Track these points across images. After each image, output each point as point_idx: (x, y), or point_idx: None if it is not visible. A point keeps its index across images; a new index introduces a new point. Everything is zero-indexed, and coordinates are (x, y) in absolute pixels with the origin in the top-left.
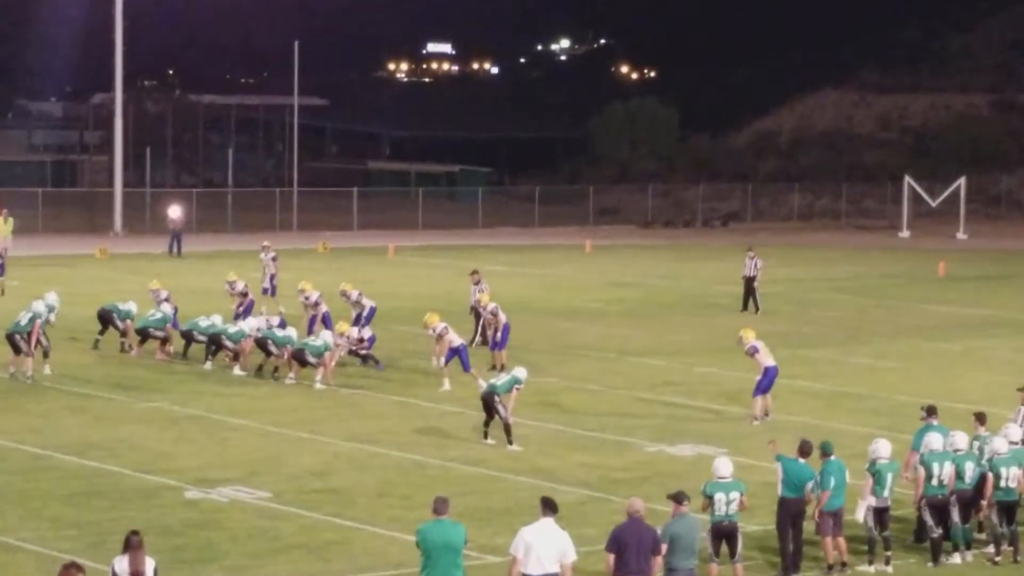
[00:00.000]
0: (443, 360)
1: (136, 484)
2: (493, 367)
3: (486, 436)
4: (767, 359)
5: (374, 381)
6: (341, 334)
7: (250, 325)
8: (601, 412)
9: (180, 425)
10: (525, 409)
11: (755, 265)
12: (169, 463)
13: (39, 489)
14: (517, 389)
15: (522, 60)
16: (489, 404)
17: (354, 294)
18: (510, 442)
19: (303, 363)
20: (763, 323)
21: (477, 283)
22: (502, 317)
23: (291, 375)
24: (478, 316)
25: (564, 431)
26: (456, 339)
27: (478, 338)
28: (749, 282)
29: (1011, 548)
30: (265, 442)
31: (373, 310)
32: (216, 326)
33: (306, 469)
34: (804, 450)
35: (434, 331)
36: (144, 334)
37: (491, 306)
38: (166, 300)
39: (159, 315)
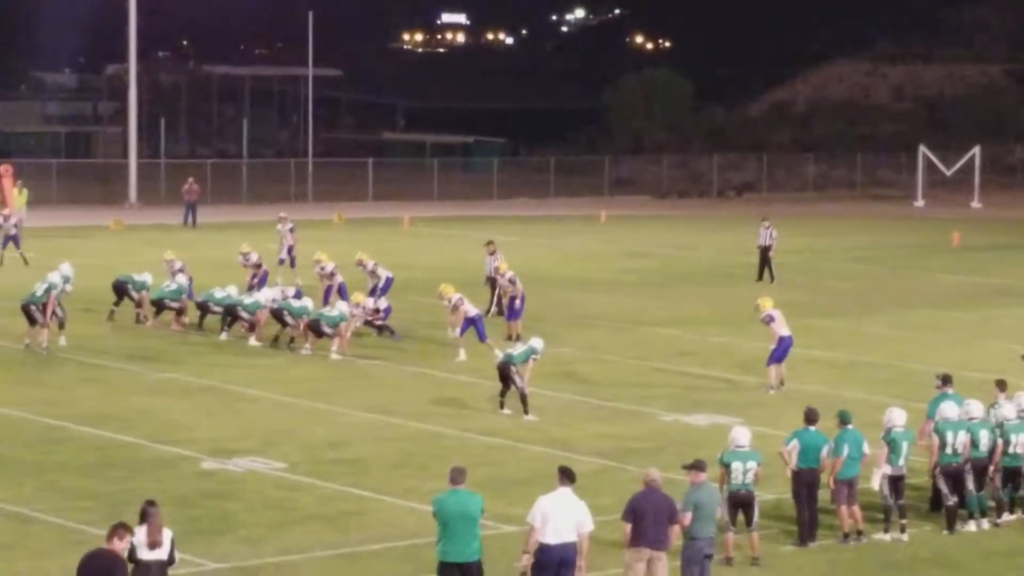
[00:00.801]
0: (459, 331)
1: (151, 455)
2: (509, 337)
3: (502, 406)
4: (782, 329)
5: (390, 352)
6: (356, 304)
7: (265, 296)
8: (616, 382)
9: (195, 396)
10: (540, 379)
11: (770, 235)
12: (184, 434)
13: (55, 460)
14: (534, 359)
15: (536, 30)
16: (505, 374)
17: (370, 264)
18: (526, 412)
19: (319, 334)
20: (778, 293)
21: (493, 253)
22: (519, 286)
23: (307, 346)
24: (494, 286)
25: (580, 401)
26: (472, 309)
27: (493, 308)
28: (764, 252)
29: (1011, 516)
30: (281, 413)
31: (389, 280)
32: (231, 297)
33: (322, 440)
34: (811, 418)
35: (449, 302)
36: (159, 305)
37: (509, 274)
38: (181, 271)
39: (174, 286)
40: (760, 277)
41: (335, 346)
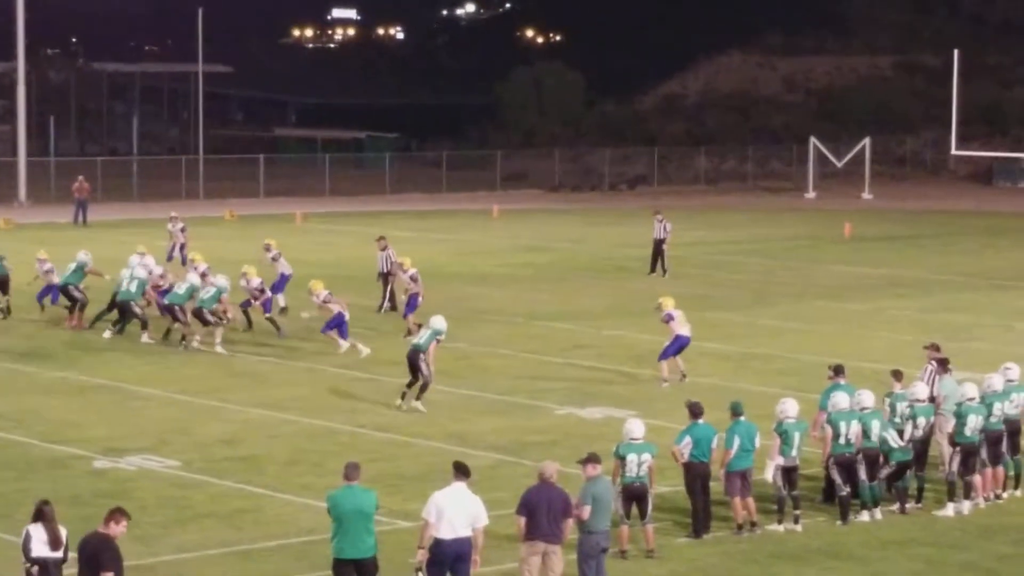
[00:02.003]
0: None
1: (44, 454)
2: (408, 333)
3: (403, 397)
4: (680, 328)
5: (282, 348)
6: (244, 274)
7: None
8: (511, 376)
9: (87, 395)
10: (436, 374)
11: (664, 228)
12: (77, 433)
13: None
14: (438, 340)
15: (427, 25)
16: (414, 363)
17: (274, 252)
18: (418, 398)
19: (204, 321)
20: (671, 286)
21: (384, 249)
22: (420, 284)
23: (196, 338)
24: (386, 282)
25: (475, 396)
26: (337, 306)
27: (386, 304)
28: (658, 244)
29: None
30: (174, 411)
31: (285, 278)
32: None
33: (216, 437)
34: (695, 412)
35: (318, 298)
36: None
37: (412, 271)
38: (204, 274)
39: (212, 291)
40: (653, 270)
41: (218, 337)
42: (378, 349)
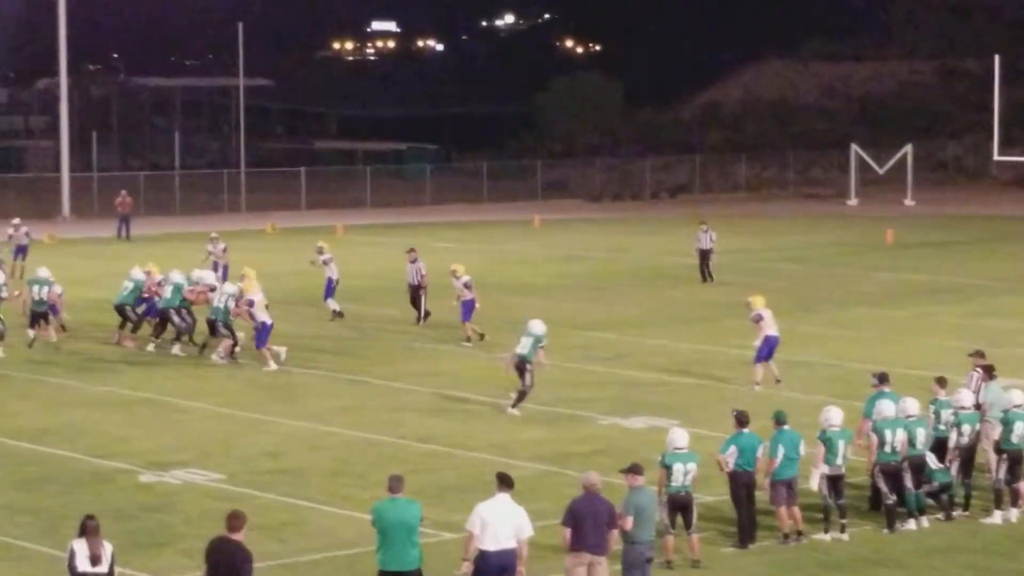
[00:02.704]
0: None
1: (89, 468)
2: (467, 339)
3: (512, 406)
4: (769, 328)
5: (325, 359)
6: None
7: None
8: (554, 386)
9: (132, 408)
10: (477, 385)
11: (710, 238)
12: (122, 447)
13: None
14: (541, 347)
15: (467, 36)
16: (521, 372)
17: (326, 255)
18: (515, 405)
19: (214, 332)
20: (713, 294)
21: (414, 261)
22: (474, 291)
23: (220, 351)
24: (415, 293)
25: (518, 406)
26: (261, 316)
27: (422, 316)
28: (704, 254)
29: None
30: (217, 424)
31: (332, 282)
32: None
33: (259, 450)
34: (741, 420)
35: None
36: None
37: (465, 278)
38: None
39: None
40: (704, 279)
41: (222, 350)
42: (417, 360)
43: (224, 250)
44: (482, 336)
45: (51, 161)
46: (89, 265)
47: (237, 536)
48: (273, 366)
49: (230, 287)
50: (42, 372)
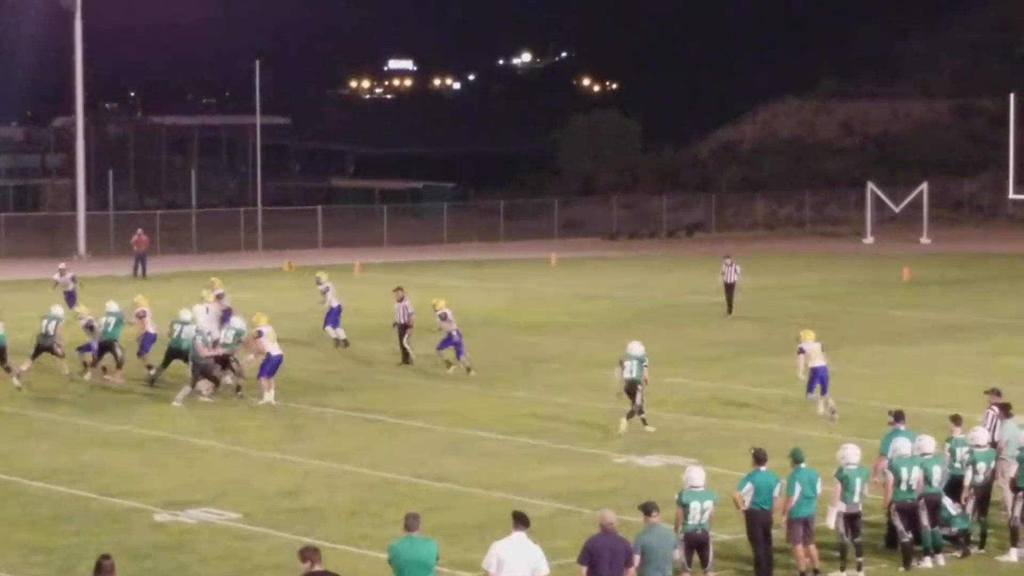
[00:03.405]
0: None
1: (104, 508)
2: (448, 365)
3: (644, 423)
4: (814, 360)
5: (340, 398)
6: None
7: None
8: (570, 424)
9: (147, 447)
10: (494, 423)
11: (735, 271)
12: (136, 486)
13: (6, 515)
14: (645, 366)
15: (483, 75)
16: (632, 394)
17: (324, 284)
18: (628, 417)
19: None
20: (730, 332)
21: (401, 300)
22: (452, 323)
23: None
24: (401, 333)
25: (534, 444)
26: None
27: (403, 354)
28: (730, 288)
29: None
30: (233, 462)
31: (335, 310)
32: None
33: (276, 489)
34: (759, 458)
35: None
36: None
37: (441, 311)
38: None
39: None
40: (730, 311)
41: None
42: (433, 399)
43: (72, 279)
44: (468, 370)
45: (67, 199)
46: (105, 304)
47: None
48: (268, 399)
49: (238, 322)
50: (56, 411)
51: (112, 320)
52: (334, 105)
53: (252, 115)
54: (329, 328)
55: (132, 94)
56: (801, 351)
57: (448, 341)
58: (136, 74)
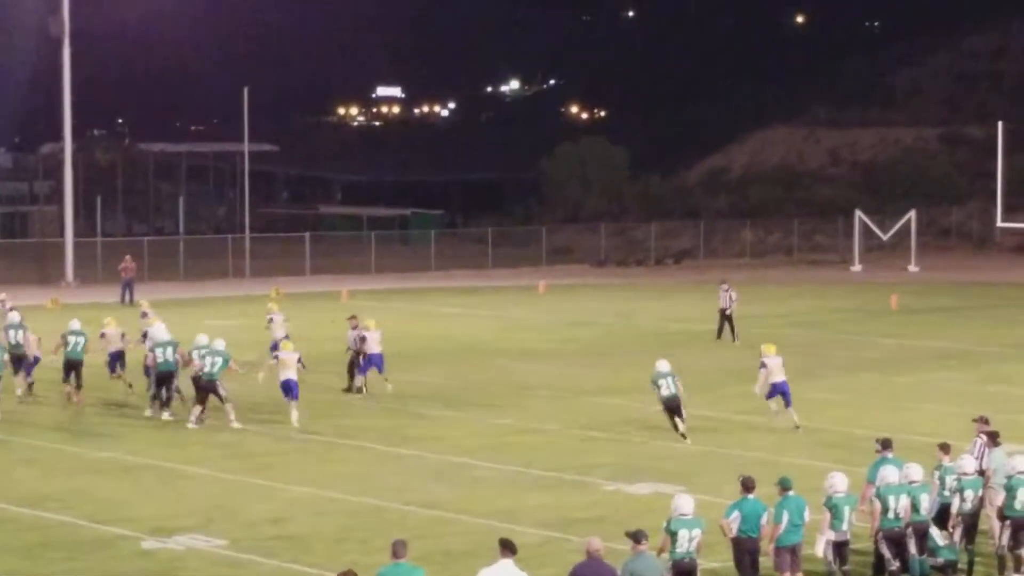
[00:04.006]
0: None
1: (91, 535)
2: (354, 390)
3: (683, 436)
4: (774, 376)
5: (326, 426)
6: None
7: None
8: (558, 452)
9: (134, 474)
10: (481, 451)
11: (730, 297)
12: (124, 513)
13: None
14: (678, 380)
15: (471, 102)
16: (675, 410)
17: (273, 314)
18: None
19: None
20: (717, 360)
21: (355, 328)
22: (369, 344)
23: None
24: (355, 359)
25: (521, 472)
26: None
27: (355, 386)
28: (723, 313)
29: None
30: (220, 489)
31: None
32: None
33: (263, 516)
34: (747, 485)
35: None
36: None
37: (354, 333)
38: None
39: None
40: (719, 336)
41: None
42: (421, 426)
43: (11, 309)
44: (360, 390)
45: (55, 226)
46: (93, 331)
47: None
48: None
49: (220, 345)
50: (43, 438)
51: (81, 340)
52: (322, 132)
53: (240, 142)
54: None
55: (120, 121)
56: (763, 365)
57: (370, 364)
58: (124, 101)
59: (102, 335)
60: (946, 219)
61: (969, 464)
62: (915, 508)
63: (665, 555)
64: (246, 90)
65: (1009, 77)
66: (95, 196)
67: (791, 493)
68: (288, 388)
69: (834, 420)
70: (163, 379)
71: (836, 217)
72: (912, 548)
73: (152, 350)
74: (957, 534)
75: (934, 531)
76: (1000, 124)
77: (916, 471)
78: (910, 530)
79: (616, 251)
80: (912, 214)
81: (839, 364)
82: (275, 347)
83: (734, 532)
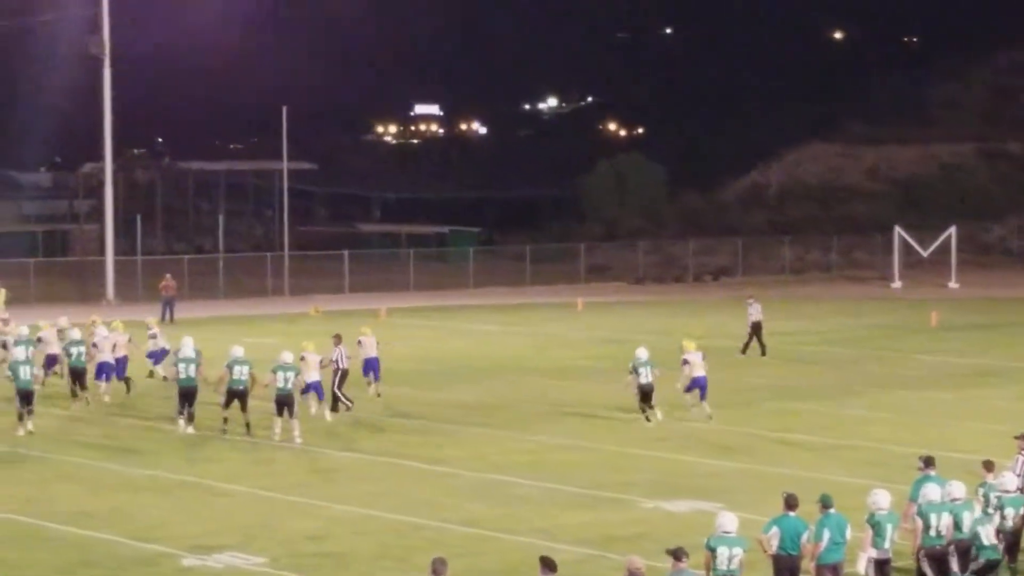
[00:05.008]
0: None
1: (132, 553)
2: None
3: (648, 420)
4: (696, 370)
5: (366, 443)
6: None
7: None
8: (596, 469)
9: (174, 491)
10: (519, 468)
11: (757, 311)
12: (164, 530)
13: (34, 559)
14: (654, 370)
15: (509, 119)
16: (649, 397)
17: (153, 330)
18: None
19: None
20: (757, 375)
21: (337, 345)
22: (334, 362)
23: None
24: (342, 379)
25: (559, 489)
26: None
27: (343, 405)
28: (756, 327)
29: None
30: (259, 507)
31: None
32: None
33: (302, 533)
34: (790, 503)
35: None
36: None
37: (338, 352)
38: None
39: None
40: (744, 352)
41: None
42: (460, 443)
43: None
44: (348, 407)
45: (96, 245)
46: (134, 349)
47: None
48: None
49: (288, 357)
50: (83, 455)
51: (82, 349)
52: (360, 150)
53: (279, 160)
54: (154, 364)
55: (160, 140)
56: (685, 362)
57: (366, 369)
58: (163, 120)
59: (93, 345)
60: (986, 235)
61: (1010, 482)
62: (957, 526)
63: (708, 573)
64: (285, 108)
65: None
66: (135, 215)
67: (832, 511)
68: (312, 389)
69: (874, 437)
70: (185, 395)
71: (875, 234)
72: (954, 566)
73: (176, 364)
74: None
75: (983, 531)
76: None
77: (958, 489)
78: (952, 548)
79: (654, 268)
80: (952, 230)
81: (878, 381)
82: (156, 357)
83: (773, 549)
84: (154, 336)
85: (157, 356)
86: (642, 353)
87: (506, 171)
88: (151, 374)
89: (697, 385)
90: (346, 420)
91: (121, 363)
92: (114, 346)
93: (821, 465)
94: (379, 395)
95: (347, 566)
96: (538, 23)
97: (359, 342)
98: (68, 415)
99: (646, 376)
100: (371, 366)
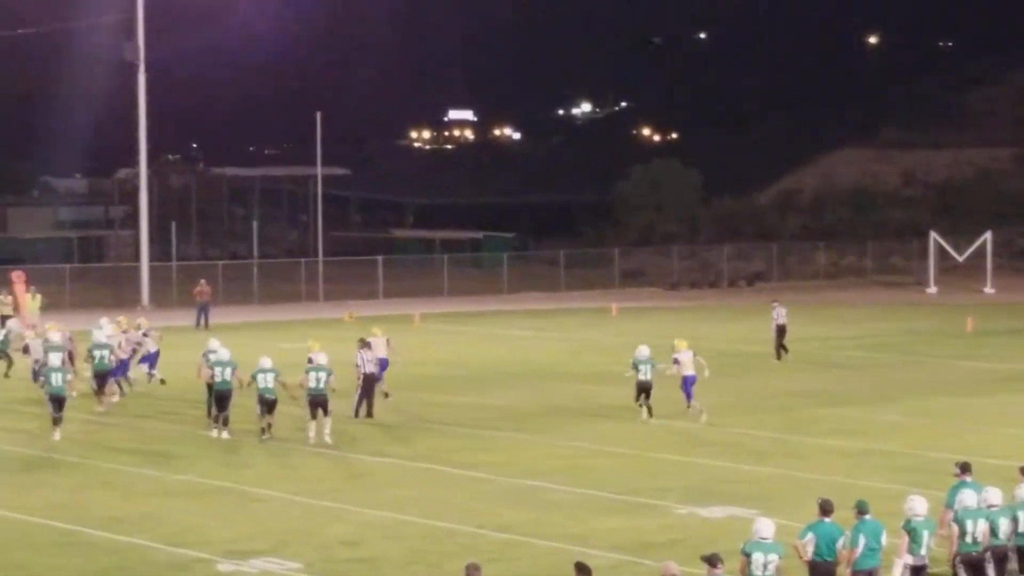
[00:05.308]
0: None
1: (167, 558)
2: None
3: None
4: (686, 369)
5: (399, 448)
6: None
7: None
8: (630, 475)
9: (208, 497)
10: (553, 473)
11: (780, 315)
12: (199, 536)
13: (70, 564)
14: (654, 367)
15: (543, 125)
16: (648, 393)
17: (144, 329)
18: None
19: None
20: (791, 381)
21: (361, 348)
22: (379, 351)
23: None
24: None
25: (594, 495)
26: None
27: (363, 410)
28: (781, 330)
29: None
30: (293, 512)
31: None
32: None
33: (336, 539)
34: (826, 509)
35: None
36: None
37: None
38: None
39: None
40: (779, 357)
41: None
42: (494, 449)
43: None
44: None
45: (131, 250)
46: (168, 354)
47: None
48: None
49: (323, 359)
50: (118, 460)
51: (106, 352)
52: (395, 155)
53: (313, 166)
54: (145, 367)
55: (194, 145)
56: (676, 361)
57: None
58: (198, 126)
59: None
60: (1021, 240)
61: None
62: (993, 532)
63: None
64: (319, 114)
65: None
66: (170, 220)
67: (868, 517)
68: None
69: (910, 443)
70: (220, 399)
71: (910, 239)
72: (991, 572)
73: (212, 367)
74: None
75: (1021, 514)
76: None
77: (995, 495)
78: (988, 554)
79: (689, 273)
80: (988, 235)
81: (914, 387)
82: (150, 360)
83: (809, 554)
84: (146, 336)
85: (151, 360)
86: (643, 351)
87: (540, 176)
88: (160, 380)
89: (686, 384)
90: (379, 425)
91: (123, 364)
92: (120, 344)
93: (856, 471)
94: (387, 395)
95: (380, 571)
96: (571, 29)
97: (368, 343)
98: (99, 420)
99: (645, 373)
100: (379, 366)
